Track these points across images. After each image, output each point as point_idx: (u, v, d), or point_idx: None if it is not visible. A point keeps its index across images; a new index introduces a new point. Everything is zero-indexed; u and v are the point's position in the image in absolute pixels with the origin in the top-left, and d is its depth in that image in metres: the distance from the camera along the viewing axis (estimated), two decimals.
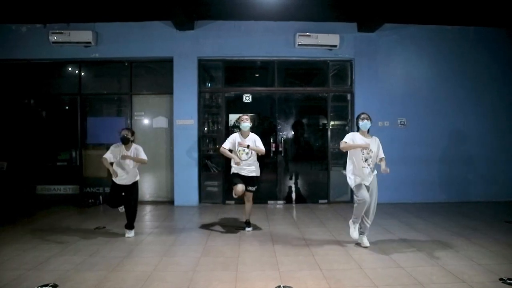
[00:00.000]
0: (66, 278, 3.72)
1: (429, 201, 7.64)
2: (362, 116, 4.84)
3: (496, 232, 5.41)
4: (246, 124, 5.46)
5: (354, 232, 4.83)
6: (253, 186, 5.56)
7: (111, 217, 6.46)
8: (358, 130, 4.90)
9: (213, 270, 3.99)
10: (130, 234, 5.31)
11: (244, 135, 5.52)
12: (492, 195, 7.78)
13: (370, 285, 3.55)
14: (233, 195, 5.57)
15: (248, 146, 5.41)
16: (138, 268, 4.05)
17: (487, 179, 7.84)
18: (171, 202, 7.70)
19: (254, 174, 5.54)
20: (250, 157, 5.47)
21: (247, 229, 5.64)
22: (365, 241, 4.82)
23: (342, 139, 4.82)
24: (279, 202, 7.83)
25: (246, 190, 5.51)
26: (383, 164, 4.71)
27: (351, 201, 7.73)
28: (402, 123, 7.74)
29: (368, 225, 4.84)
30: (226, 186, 7.79)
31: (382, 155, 4.84)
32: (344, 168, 7.92)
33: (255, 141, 5.49)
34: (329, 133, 7.88)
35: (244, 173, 5.50)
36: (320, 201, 7.85)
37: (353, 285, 3.56)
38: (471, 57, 7.90)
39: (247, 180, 5.51)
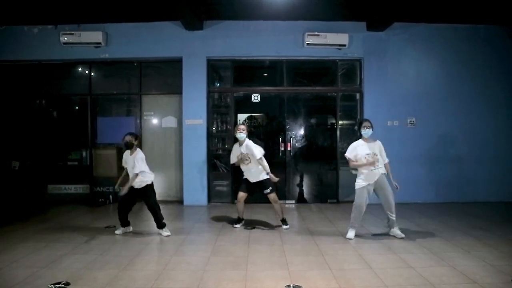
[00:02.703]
0: (78, 277, 3.77)
1: (439, 201, 7.57)
2: (364, 124, 5.15)
3: (508, 232, 5.34)
4: (242, 135, 5.58)
5: (350, 234, 5.17)
6: (267, 189, 5.61)
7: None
8: (360, 136, 5.18)
9: (223, 269, 4.01)
10: (163, 232, 5.35)
11: (240, 144, 5.64)
12: (504, 195, 7.68)
13: (380, 285, 3.54)
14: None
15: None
16: (149, 267, 4.09)
17: (498, 179, 7.74)
18: (180, 201, 7.74)
19: (261, 179, 5.60)
20: (249, 162, 5.56)
21: (284, 227, 5.75)
22: (398, 233, 5.13)
23: (351, 138, 5.07)
24: (288, 201, 7.81)
25: (264, 194, 5.67)
26: (389, 173, 5.15)
27: None
28: (412, 122, 7.68)
29: (394, 218, 5.12)
30: (235, 186, 7.82)
31: (386, 160, 5.14)
32: (353, 168, 7.97)
33: (246, 147, 5.56)
34: (338, 132, 7.84)
35: (252, 180, 5.66)
36: (329, 200, 7.83)
37: (363, 285, 3.56)
38: (482, 55, 7.80)
39: (259, 186, 5.67)
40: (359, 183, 5.13)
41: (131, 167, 5.18)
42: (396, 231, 5.15)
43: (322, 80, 8.46)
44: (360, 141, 5.16)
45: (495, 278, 3.68)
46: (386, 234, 5.26)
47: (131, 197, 5.32)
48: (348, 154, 5.17)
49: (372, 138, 5.16)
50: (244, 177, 5.74)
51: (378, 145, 5.13)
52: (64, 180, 8.02)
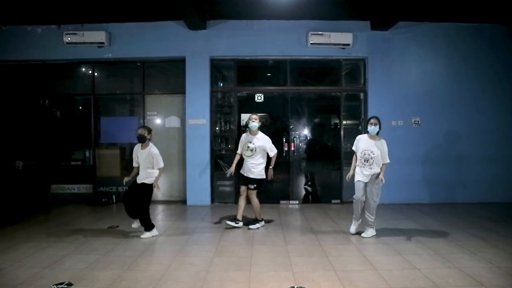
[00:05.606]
0: (81, 277, 3.75)
1: (445, 202, 7.50)
2: (370, 121, 5.12)
3: None
4: (254, 124, 5.62)
5: (351, 227, 5.32)
6: (252, 184, 5.66)
7: (124, 216, 6.46)
8: (367, 132, 5.21)
9: (226, 270, 3.98)
10: (143, 234, 5.25)
11: (252, 133, 5.68)
12: (510, 196, 7.60)
13: (385, 287, 3.50)
14: None
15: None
16: (152, 267, 4.07)
17: (504, 179, 7.66)
18: (183, 201, 7.71)
19: (251, 176, 5.65)
20: (252, 155, 5.59)
21: (250, 226, 5.71)
22: (369, 233, 5.15)
23: (355, 138, 5.17)
24: (291, 202, 7.77)
25: (247, 188, 5.71)
26: (381, 173, 5.01)
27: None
28: (416, 122, 7.62)
29: (370, 219, 5.10)
30: (238, 186, 7.79)
31: (385, 160, 5.07)
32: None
33: (261, 139, 5.60)
34: (341, 132, 7.80)
35: (244, 174, 5.72)
36: (333, 201, 7.78)
37: (368, 287, 3.52)
38: (488, 55, 7.72)
39: (246, 180, 5.71)
40: (356, 176, 5.18)
41: (148, 163, 5.09)
42: (368, 229, 5.17)
43: (326, 79, 8.41)
44: (365, 136, 5.20)
45: (502, 280, 3.63)
46: (389, 235, 5.24)
47: (131, 190, 5.26)
48: (354, 146, 5.26)
49: (379, 137, 5.13)
50: (240, 171, 5.82)
51: (380, 144, 5.06)
52: (68, 180, 8.02)
